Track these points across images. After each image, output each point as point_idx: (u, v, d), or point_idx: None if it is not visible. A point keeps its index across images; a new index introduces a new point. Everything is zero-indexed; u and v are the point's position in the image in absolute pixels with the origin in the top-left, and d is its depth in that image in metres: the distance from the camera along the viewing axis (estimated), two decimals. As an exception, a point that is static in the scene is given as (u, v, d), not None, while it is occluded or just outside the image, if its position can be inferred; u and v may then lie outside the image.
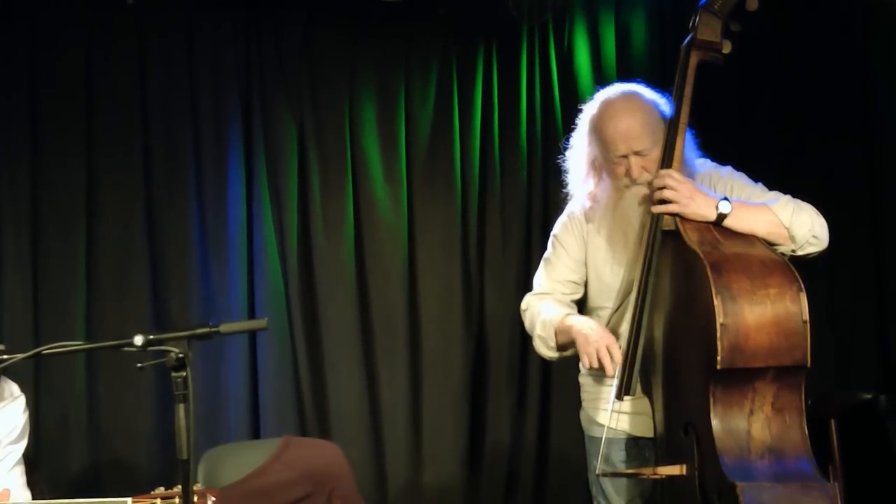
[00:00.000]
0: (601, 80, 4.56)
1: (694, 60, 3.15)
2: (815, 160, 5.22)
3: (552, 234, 3.49)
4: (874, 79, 5.16)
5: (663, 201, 3.07)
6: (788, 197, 3.12)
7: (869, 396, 4.69)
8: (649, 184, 3.16)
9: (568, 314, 3.30)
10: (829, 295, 5.20)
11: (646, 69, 5.13)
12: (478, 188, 5.19)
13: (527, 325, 3.47)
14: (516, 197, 5.21)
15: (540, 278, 3.48)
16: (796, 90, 5.26)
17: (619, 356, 3.10)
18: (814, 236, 3.07)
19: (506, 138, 5.23)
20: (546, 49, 5.26)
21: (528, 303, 3.47)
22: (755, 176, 3.29)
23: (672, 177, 3.06)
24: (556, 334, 3.30)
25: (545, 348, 3.37)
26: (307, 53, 5.02)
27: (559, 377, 5.04)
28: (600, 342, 3.13)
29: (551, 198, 4.92)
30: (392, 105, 5.12)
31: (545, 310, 3.35)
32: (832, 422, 4.47)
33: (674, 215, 3.05)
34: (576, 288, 3.42)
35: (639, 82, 3.31)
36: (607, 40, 5.29)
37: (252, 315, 4.84)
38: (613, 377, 3.12)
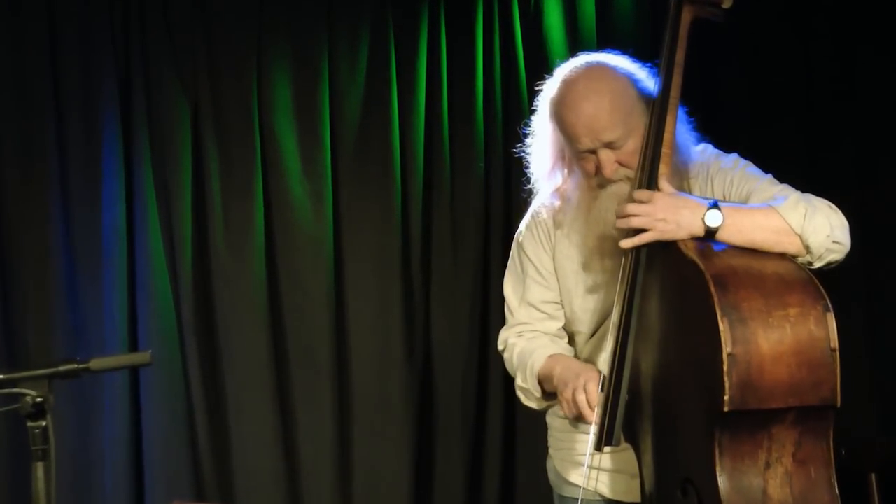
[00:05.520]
0: (577, 50, 4.54)
1: (687, 18, 3.11)
2: (849, 157, 5.28)
3: (515, 239, 3.50)
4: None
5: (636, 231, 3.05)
6: (798, 194, 3.08)
7: (919, 445, 4.73)
8: (629, 179, 3.14)
9: (552, 355, 3.30)
10: (868, 318, 5.25)
11: (634, 36, 5.18)
12: (422, 184, 5.19)
13: (509, 369, 3.48)
14: (471, 196, 5.22)
15: (511, 301, 3.48)
16: (827, 72, 5.28)
17: (594, 394, 3.07)
18: (834, 241, 3.02)
19: (457, 121, 5.24)
20: (508, 9, 5.27)
21: (506, 341, 3.47)
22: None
23: (634, 200, 3.03)
24: (540, 383, 3.31)
25: (531, 401, 3.39)
26: (202, 12, 5.00)
27: (526, 423, 5.05)
28: (578, 381, 3.11)
29: (515, 197, 4.92)
30: (312, 78, 5.10)
31: (527, 352, 3.36)
32: (872, 476, 4.53)
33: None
34: (557, 309, 3.41)
35: (612, 51, 3.30)
36: (586, -1, 5.31)
37: (133, 347, 4.82)
38: (590, 422, 3.11)
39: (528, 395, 3.36)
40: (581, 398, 3.07)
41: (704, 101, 4.82)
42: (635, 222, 3.00)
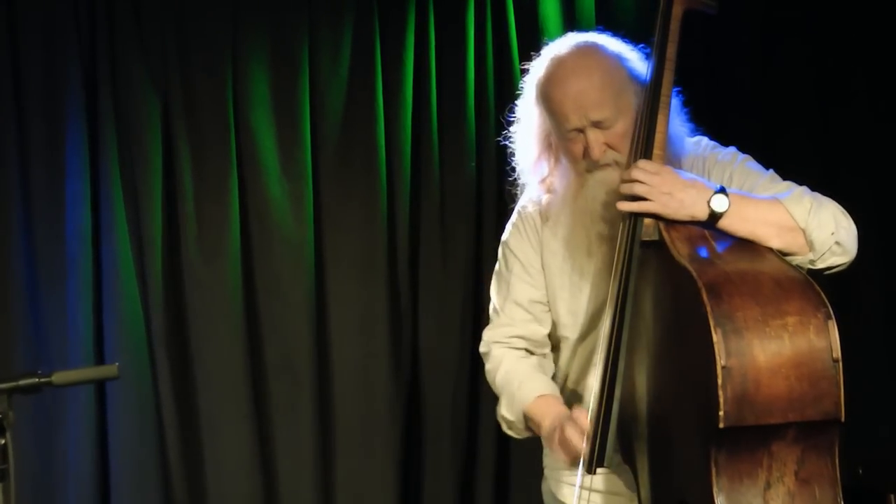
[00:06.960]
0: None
1: (678, 9, 3.15)
2: (864, 159, 5.26)
3: (502, 239, 3.52)
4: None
5: (636, 198, 3.06)
6: (804, 188, 3.11)
7: (943, 463, 4.74)
8: (618, 165, 3.15)
9: (541, 395, 3.31)
10: (889, 331, 5.24)
11: (636, 20, 5.14)
12: (409, 184, 5.18)
13: (489, 379, 3.49)
14: (461, 197, 5.21)
15: (495, 300, 3.50)
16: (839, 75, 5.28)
17: (585, 422, 3.08)
18: (837, 242, 3.04)
19: (447, 117, 5.23)
20: (502, -3, 5.27)
21: (489, 346, 3.48)
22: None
23: (641, 168, 3.04)
24: (525, 418, 3.34)
25: (513, 430, 3.43)
26: (173, 1, 4.99)
27: (520, 441, 4.99)
28: (561, 425, 3.14)
29: (508, 198, 4.89)
30: (291, 71, 5.10)
31: (514, 378, 3.37)
32: (892, 497, 4.55)
33: (648, 216, 3.03)
34: (543, 311, 3.42)
35: (601, 31, 3.33)
36: (585, -20, 5.31)
37: (99, 360, 4.81)
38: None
39: (511, 426, 3.41)
40: (574, 438, 3.09)
41: (710, 105, 4.83)
42: (639, 189, 3.02)
